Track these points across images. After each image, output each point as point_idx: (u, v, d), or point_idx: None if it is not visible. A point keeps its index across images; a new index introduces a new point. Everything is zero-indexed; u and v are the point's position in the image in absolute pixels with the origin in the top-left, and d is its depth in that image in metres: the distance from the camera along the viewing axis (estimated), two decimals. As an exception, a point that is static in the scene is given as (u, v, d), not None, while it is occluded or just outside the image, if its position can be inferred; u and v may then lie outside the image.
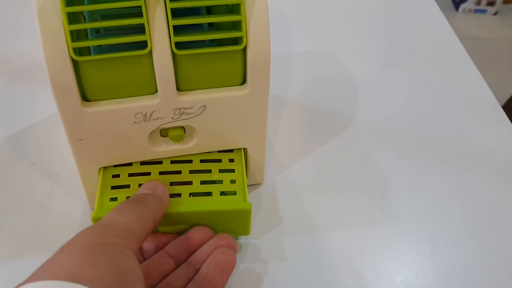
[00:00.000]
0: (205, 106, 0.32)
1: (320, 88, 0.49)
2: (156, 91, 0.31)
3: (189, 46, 0.30)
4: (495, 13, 1.81)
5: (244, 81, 0.32)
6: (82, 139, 0.31)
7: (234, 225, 0.33)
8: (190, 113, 0.32)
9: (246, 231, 0.34)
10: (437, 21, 0.58)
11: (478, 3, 1.77)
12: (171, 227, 0.33)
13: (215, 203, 0.33)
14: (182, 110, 0.32)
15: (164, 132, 0.33)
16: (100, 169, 0.34)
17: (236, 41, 0.31)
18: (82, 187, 0.35)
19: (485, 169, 0.41)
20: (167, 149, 0.34)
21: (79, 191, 0.37)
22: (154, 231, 0.34)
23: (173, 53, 0.29)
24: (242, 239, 0.36)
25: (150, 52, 0.29)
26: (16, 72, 0.49)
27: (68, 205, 0.37)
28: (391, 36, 0.56)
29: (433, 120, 0.46)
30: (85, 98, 0.30)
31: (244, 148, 0.36)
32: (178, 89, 0.31)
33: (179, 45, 0.29)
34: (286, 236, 0.36)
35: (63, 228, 0.36)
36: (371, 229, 0.37)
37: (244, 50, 0.30)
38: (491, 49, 1.69)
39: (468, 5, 1.78)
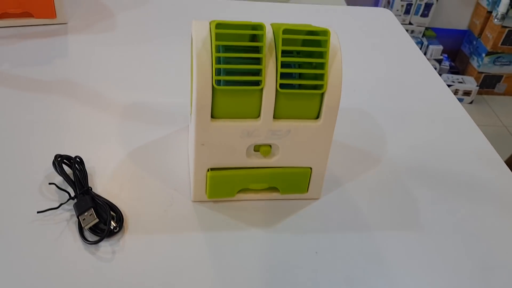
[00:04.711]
0: (289, 131, 0.45)
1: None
2: (259, 116, 0.44)
3: (286, 87, 0.43)
4: (471, 102, 2.04)
5: (318, 116, 0.45)
6: (203, 144, 0.44)
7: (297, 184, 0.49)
8: (279, 134, 0.45)
9: (304, 190, 0.50)
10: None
11: (456, 92, 2.00)
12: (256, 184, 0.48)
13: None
14: (273, 131, 0.45)
15: (256, 148, 0.46)
16: (208, 169, 0.46)
17: (316, 87, 0.44)
18: (192, 184, 0.47)
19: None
20: (256, 160, 0.46)
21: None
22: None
23: (277, 91, 0.42)
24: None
25: (262, 89, 0.42)
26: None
27: (184, 206, 0.49)
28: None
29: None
30: (212, 115, 0.43)
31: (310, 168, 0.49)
32: (274, 117, 0.44)
33: (281, 86, 0.42)
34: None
35: (178, 221, 0.47)
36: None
37: (322, 94, 0.44)
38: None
39: (448, 93, 2.01)
